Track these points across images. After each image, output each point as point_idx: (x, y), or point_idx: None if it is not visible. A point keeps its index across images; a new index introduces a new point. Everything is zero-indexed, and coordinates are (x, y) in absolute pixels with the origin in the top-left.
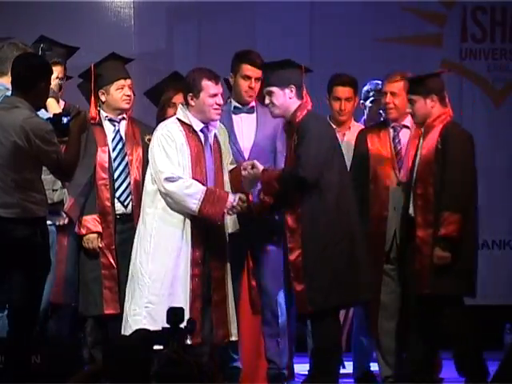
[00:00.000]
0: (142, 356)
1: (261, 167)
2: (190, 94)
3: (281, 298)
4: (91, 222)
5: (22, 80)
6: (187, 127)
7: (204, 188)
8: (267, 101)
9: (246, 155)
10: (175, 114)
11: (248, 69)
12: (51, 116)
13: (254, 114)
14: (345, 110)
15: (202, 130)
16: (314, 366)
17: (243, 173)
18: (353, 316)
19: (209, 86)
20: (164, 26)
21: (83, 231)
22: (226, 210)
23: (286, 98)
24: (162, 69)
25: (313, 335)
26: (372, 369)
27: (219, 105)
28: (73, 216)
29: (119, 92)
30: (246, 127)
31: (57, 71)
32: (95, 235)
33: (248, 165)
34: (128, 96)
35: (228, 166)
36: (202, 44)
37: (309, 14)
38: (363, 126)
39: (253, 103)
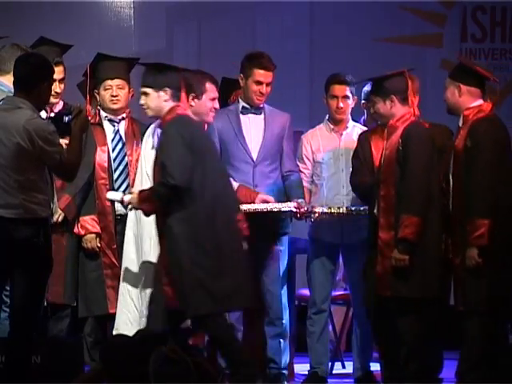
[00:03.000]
0: (140, 356)
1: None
2: (193, 95)
3: (284, 298)
4: (89, 222)
5: (23, 80)
6: None
7: None
8: (142, 101)
9: (254, 156)
10: None
11: (260, 74)
12: (52, 115)
13: (262, 115)
14: (342, 108)
15: None
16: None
17: None
18: (353, 316)
19: (211, 89)
20: (164, 26)
21: (82, 232)
22: None
23: (160, 100)
24: None
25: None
26: (372, 369)
27: (216, 109)
28: (68, 214)
29: (107, 92)
30: (254, 127)
31: (58, 72)
32: (93, 235)
33: None
34: (114, 96)
35: None
36: (201, 44)
37: (309, 14)
38: (362, 126)
39: (261, 104)
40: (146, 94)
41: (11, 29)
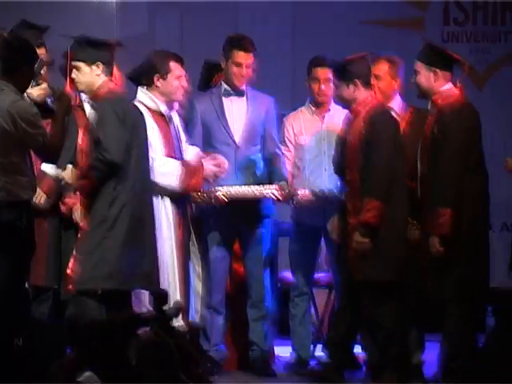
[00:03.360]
0: (119, 339)
1: None
2: (157, 75)
3: (267, 281)
4: (73, 199)
5: (6, 63)
6: (152, 111)
7: (179, 163)
8: (73, 75)
9: (237, 138)
10: None
11: (240, 56)
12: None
13: (245, 97)
14: (324, 90)
15: (165, 112)
16: None
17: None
18: (335, 299)
19: (176, 68)
20: (146, 9)
21: (66, 208)
22: (210, 175)
23: (92, 75)
24: (145, 52)
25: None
26: (355, 351)
27: (183, 87)
28: (51, 196)
29: None
30: (237, 110)
31: (41, 53)
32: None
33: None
34: None
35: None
36: (183, 27)
37: None
38: (344, 109)
39: (243, 86)
40: (77, 68)
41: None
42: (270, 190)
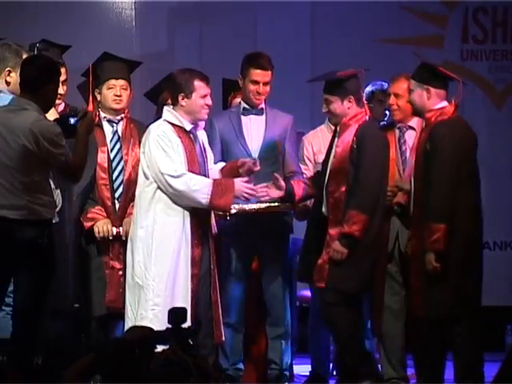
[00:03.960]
0: (138, 356)
1: None
2: (182, 94)
3: (286, 299)
4: (96, 211)
5: (30, 82)
6: (178, 128)
7: (211, 181)
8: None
9: (254, 156)
10: None
11: (257, 74)
12: (58, 117)
13: (263, 116)
14: None
15: (190, 131)
16: None
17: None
18: None
19: (201, 87)
20: (165, 27)
21: (89, 224)
22: (241, 195)
23: None
24: (164, 70)
25: None
26: None
27: (208, 105)
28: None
29: (110, 92)
30: (255, 128)
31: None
32: (105, 220)
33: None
34: (118, 96)
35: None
36: (203, 45)
37: (310, 15)
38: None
39: (262, 105)
40: None
41: (12, 29)
42: (279, 204)
